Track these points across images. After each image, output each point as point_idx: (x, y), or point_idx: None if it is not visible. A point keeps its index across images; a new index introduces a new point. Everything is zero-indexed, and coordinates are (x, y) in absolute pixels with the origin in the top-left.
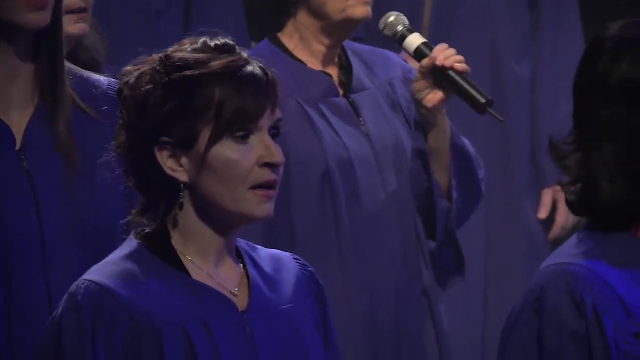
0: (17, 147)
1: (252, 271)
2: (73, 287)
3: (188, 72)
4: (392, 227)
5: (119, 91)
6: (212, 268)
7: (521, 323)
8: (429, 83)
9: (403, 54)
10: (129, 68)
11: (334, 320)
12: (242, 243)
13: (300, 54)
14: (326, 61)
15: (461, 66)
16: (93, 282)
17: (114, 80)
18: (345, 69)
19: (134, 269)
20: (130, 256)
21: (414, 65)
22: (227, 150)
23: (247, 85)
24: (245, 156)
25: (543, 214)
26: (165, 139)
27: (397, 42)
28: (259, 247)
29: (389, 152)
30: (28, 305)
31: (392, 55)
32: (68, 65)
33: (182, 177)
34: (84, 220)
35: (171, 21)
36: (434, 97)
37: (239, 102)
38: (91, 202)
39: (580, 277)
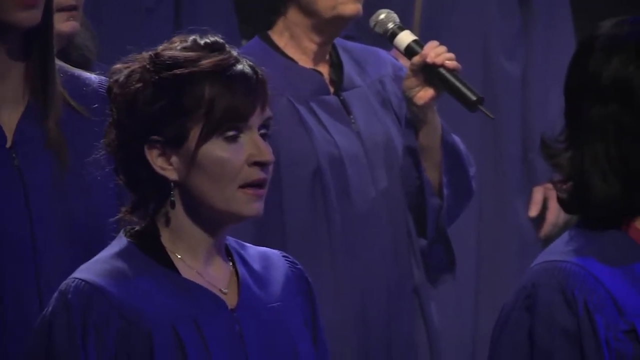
0: (8, 145)
1: (241, 269)
2: (63, 285)
3: (178, 71)
4: (383, 225)
5: (109, 89)
6: (201, 266)
7: (512, 321)
8: (420, 80)
9: (394, 51)
10: (118, 66)
11: (324, 318)
12: (231, 241)
13: (290, 51)
14: (317, 59)
15: (452, 63)
16: (83, 280)
17: (105, 78)
18: (336, 66)
19: (124, 267)
20: (119, 254)
21: (404, 62)
22: (216, 148)
23: (237, 84)
24: (234, 155)
25: (534, 211)
26: (154, 137)
27: (387, 39)
28: (248, 244)
29: (379, 149)
30: (18, 302)
31: (382, 52)
32: (58, 63)
33: (172, 175)
34: (74, 217)
35: (161, 18)
36: (424, 94)
37: (229, 101)
38: (82, 199)
39: (571, 275)
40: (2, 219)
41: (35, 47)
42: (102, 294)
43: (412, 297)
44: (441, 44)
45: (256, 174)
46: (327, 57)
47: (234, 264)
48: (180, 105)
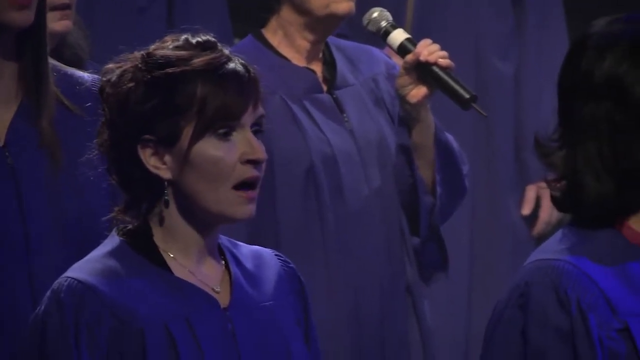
0: (1, 144)
1: (233, 268)
2: (55, 284)
3: (170, 70)
4: (376, 223)
5: (101, 89)
6: (194, 265)
7: (505, 319)
8: (413, 78)
9: (387, 49)
10: (110, 66)
11: (318, 316)
12: (223, 240)
13: (284, 49)
14: (310, 57)
15: (445, 61)
16: (75, 279)
17: (98, 76)
18: (329, 64)
19: (116, 266)
20: (112, 253)
21: (397, 60)
22: (209, 147)
23: (229, 82)
24: (227, 153)
25: (527, 209)
26: (147, 136)
27: (380, 37)
28: (241, 243)
29: (372, 148)
30: (11, 301)
31: (375, 51)
32: (51, 61)
33: (165, 174)
34: (67, 217)
35: (154, 18)
36: (417, 92)
37: (221, 99)
38: (75, 199)
39: (564, 273)
40: None
41: (29, 46)
42: (94, 292)
43: (405, 295)
44: (434, 42)
45: (249, 171)
46: (321, 55)
47: (226, 262)
48: (173, 104)
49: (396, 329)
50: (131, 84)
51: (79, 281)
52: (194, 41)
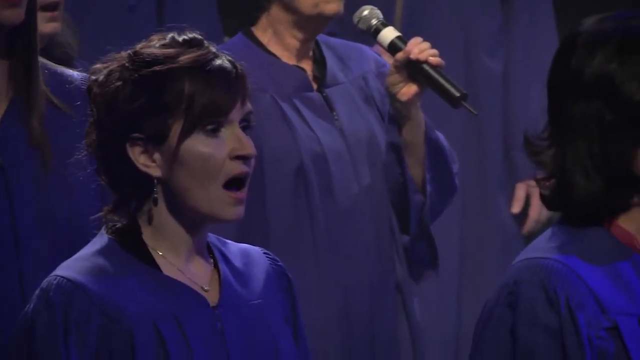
0: None
1: (222, 266)
2: (44, 283)
3: (157, 67)
4: (366, 221)
5: (89, 89)
6: (183, 263)
7: (494, 317)
8: (403, 76)
9: (376, 47)
10: (98, 66)
11: (308, 315)
12: (212, 238)
13: (274, 48)
14: (300, 55)
15: (435, 59)
16: (64, 277)
17: (87, 75)
18: (319, 63)
19: (105, 265)
20: (101, 251)
21: (388, 59)
22: (198, 144)
23: (217, 79)
24: (216, 149)
25: (516, 208)
26: (136, 134)
27: (371, 35)
28: (229, 241)
29: (362, 146)
30: (1, 300)
31: (365, 49)
32: (41, 60)
33: (155, 172)
34: (56, 215)
35: (143, 16)
36: (408, 90)
37: (209, 96)
38: (64, 198)
39: (553, 272)
40: None
41: (19, 45)
42: (83, 291)
43: (395, 293)
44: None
45: (239, 167)
46: (310, 53)
47: (215, 261)
48: (161, 101)
49: (386, 327)
50: (119, 83)
51: (68, 279)
52: (180, 39)
